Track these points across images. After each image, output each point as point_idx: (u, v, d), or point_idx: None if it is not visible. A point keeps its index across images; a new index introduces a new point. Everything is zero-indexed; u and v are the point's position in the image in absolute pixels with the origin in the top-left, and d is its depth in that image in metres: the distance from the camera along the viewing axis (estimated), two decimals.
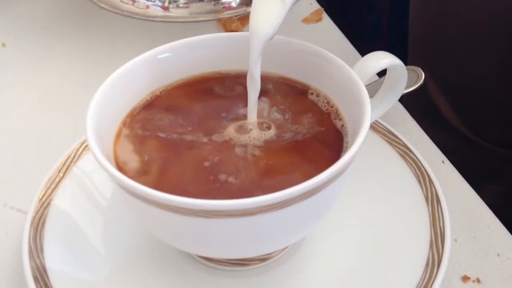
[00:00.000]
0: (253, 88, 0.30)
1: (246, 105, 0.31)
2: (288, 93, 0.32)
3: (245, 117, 0.31)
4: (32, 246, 0.29)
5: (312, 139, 0.29)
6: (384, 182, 0.34)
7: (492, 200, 0.47)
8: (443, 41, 0.59)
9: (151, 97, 0.32)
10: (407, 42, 0.67)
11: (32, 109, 0.45)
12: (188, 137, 0.29)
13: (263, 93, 0.31)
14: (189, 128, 0.30)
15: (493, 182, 0.61)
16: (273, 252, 0.30)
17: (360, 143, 0.26)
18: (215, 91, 0.33)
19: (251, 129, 0.30)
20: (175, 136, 0.30)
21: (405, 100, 0.39)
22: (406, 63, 0.67)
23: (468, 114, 0.60)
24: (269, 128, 0.30)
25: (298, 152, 0.29)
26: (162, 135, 0.30)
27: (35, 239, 0.30)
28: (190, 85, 0.33)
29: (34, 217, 0.31)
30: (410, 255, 0.30)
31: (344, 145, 0.29)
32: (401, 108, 0.42)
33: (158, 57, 0.32)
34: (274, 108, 0.32)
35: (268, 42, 0.29)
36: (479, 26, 0.54)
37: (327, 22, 0.54)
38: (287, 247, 0.31)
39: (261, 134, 0.30)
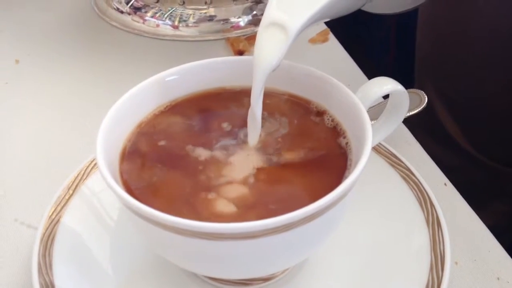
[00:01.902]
0: (253, 126, 0.30)
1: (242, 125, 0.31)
2: (293, 109, 0.33)
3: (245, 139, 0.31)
4: (41, 263, 0.30)
5: (317, 156, 0.30)
6: (386, 205, 0.34)
7: (497, 219, 0.47)
8: (449, 60, 0.60)
9: (156, 113, 0.33)
10: (414, 60, 0.67)
11: (44, 125, 0.46)
12: (191, 154, 0.30)
13: (268, 108, 0.32)
14: (193, 145, 0.31)
15: (498, 201, 0.61)
16: (276, 272, 0.31)
17: (362, 168, 0.26)
18: (219, 107, 0.34)
19: (253, 149, 0.30)
20: (178, 152, 0.30)
21: (410, 119, 0.39)
22: (412, 82, 0.67)
23: (475, 133, 0.60)
24: (271, 146, 0.31)
25: (302, 170, 0.29)
26: (166, 151, 0.30)
27: (44, 256, 0.30)
28: (194, 100, 0.34)
29: (43, 234, 0.32)
30: (410, 277, 0.30)
31: (348, 162, 0.29)
32: (404, 130, 0.43)
33: (166, 79, 0.33)
34: (278, 124, 0.32)
35: (271, 72, 0.29)
36: (486, 45, 0.55)
37: (333, 42, 0.55)
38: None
39: (264, 153, 0.30)
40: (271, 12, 0.29)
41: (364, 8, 0.37)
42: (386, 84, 0.31)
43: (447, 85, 0.61)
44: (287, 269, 0.32)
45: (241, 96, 0.34)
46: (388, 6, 0.40)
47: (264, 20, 0.29)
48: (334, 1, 0.30)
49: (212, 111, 0.33)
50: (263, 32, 0.29)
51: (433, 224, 0.32)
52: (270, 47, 0.29)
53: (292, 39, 0.29)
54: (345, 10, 0.33)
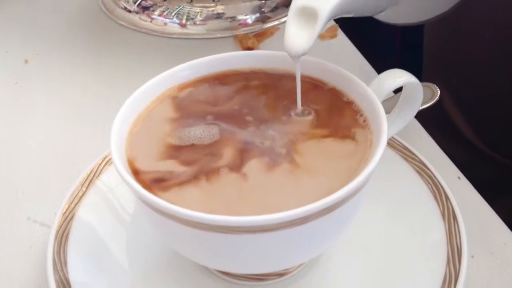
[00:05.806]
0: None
1: (258, 106, 0.31)
2: (313, 90, 0.32)
3: (264, 119, 0.30)
4: (56, 260, 0.30)
5: (339, 137, 0.29)
6: (401, 199, 0.34)
7: (509, 215, 0.47)
8: (458, 56, 0.59)
9: (165, 94, 0.32)
10: (422, 56, 0.67)
11: (54, 124, 0.46)
12: (204, 135, 0.29)
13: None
14: (205, 125, 0.30)
15: (510, 197, 0.61)
16: (291, 268, 0.31)
17: (378, 160, 0.26)
18: (230, 87, 0.33)
19: (272, 131, 0.30)
20: (189, 136, 0.29)
21: (420, 115, 0.39)
22: (420, 77, 0.67)
23: (484, 129, 0.60)
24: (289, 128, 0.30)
25: (326, 150, 0.28)
26: (176, 136, 0.29)
27: (59, 252, 0.30)
28: (204, 81, 0.33)
29: (58, 231, 0.32)
30: (427, 271, 0.30)
31: (368, 143, 0.29)
32: (416, 124, 0.43)
33: (178, 74, 0.33)
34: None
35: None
36: (494, 42, 0.55)
37: (342, 38, 0.55)
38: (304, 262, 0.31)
39: (286, 133, 0.29)
40: None
41: (383, 18, 0.37)
42: (400, 76, 0.30)
43: (455, 80, 0.61)
44: (301, 264, 0.31)
45: (251, 75, 0.33)
46: (407, 16, 0.40)
47: (294, 3, 0.29)
48: None
49: (221, 94, 0.32)
50: (293, 16, 0.29)
51: (449, 217, 0.32)
52: (300, 32, 0.29)
53: (323, 23, 0.28)
54: (370, 7, 0.32)
